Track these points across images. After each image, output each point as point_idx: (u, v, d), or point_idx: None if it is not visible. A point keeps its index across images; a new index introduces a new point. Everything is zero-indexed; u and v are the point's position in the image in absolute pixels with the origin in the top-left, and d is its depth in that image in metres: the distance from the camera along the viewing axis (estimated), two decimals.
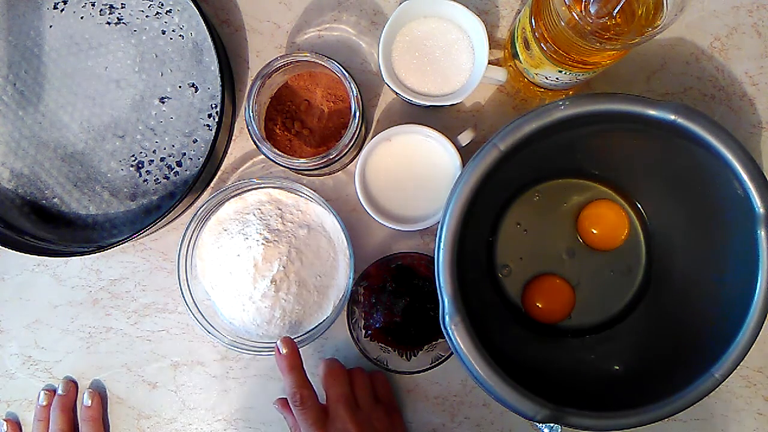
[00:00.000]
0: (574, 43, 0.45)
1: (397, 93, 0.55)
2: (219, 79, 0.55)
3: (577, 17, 0.43)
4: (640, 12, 0.45)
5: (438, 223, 0.48)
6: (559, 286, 0.57)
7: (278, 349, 0.51)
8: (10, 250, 0.57)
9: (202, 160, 0.57)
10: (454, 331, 0.45)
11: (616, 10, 0.43)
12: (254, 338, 0.57)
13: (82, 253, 0.57)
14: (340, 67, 0.52)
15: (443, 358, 0.55)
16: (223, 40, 0.61)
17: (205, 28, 0.56)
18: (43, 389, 0.61)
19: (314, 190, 0.55)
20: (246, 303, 0.56)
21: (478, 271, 0.57)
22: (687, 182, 0.52)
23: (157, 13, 0.61)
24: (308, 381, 0.51)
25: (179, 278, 0.56)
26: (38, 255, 0.57)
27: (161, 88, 0.61)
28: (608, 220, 0.57)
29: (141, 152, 0.61)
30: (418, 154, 0.56)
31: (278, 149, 0.53)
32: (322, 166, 0.53)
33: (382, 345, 0.56)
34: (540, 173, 0.57)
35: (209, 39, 0.56)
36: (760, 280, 0.46)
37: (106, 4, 0.61)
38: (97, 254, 0.60)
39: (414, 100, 0.54)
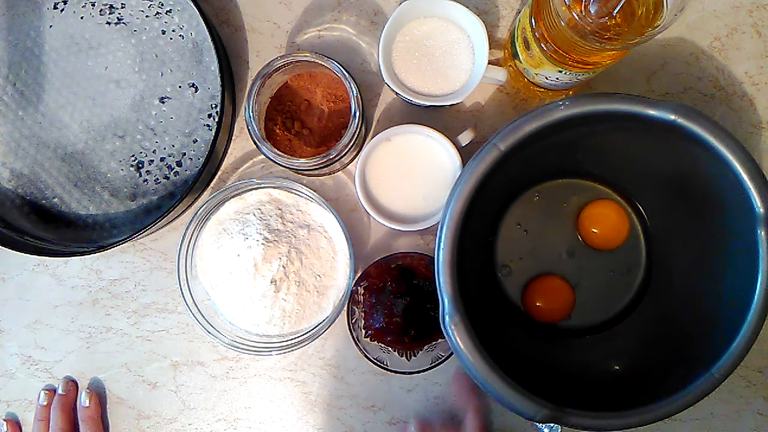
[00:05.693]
0: (574, 43, 0.45)
1: (397, 93, 0.55)
2: (219, 79, 0.55)
3: (577, 17, 0.43)
4: (640, 12, 0.45)
5: (438, 223, 0.48)
6: (559, 286, 0.57)
7: None
8: (10, 250, 0.57)
9: (202, 160, 0.57)
10: (454, 331, 0.45)
11: (616, 10, 0.43)
12: (254, 338, 0.57)
13: (82, 253, 0.57)
14: (340, 67, 0.52)
15: (443, 358, 0.55)
16: (223, 40, 0.61)
17: (205, 28, 0.56)
18: (43, 389, 0.61)
19: (314, 190, 0.55)
20: (246, 303, 0.56)
21: (478, 272, 0.57)
22: (687, 182, 0.52)
23: (157, 13, 0.61)
24: None
25: (179, 278, 0.56)
26: (38, 255, 0.57)
27: (161, 88, 0.61)
28: (609, 220, 0.57)
29: (141, 152, 0.61)
30: (418, 154, 0.56)
31: (278, 149, 0.52)
32: (322, 166, 0.53)
33: (382, 345, 0.56)
34: (540, 173, 0.57)
35: (209, 39, 0.56)
36: (760, 280, 0.46)
37: (106, 4, 0.61)
38: (97, 254, 0.60)
39: (414, 100, 0.54)
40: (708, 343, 0.48)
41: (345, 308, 0.55)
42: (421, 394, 0.60)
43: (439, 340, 0.56)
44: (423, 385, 0.60)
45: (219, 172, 0.61)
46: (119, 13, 0.61)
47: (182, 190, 0.60)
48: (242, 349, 0.56)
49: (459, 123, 0.60)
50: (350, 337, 0.55)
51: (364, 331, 0.56)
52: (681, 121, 0.45)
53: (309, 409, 0.61)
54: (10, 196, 0.62)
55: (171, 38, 0.61)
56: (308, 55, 0.52)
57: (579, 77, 0.51)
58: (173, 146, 0.61)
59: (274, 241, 0.55)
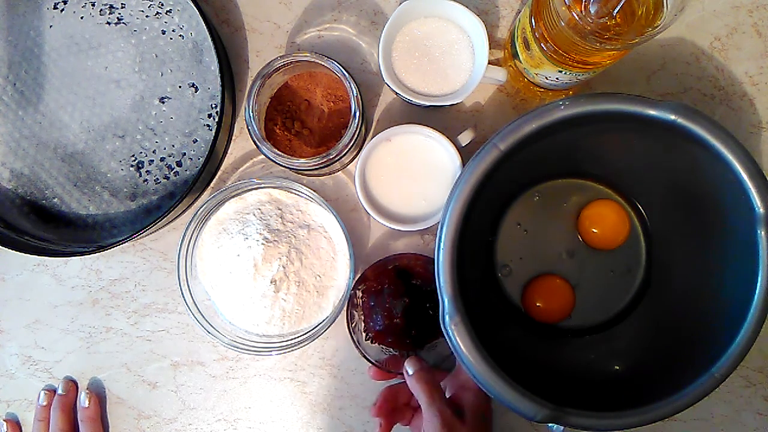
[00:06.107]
0: (574, 43, 0.45)
1: (397, 93, 0.55)
2: (219, 79, 0.55)
3: (577, 17, 0.43)
4: (640, 12, 0.45)
5: (438, 223, 0.48)
6: (559, 286, 0.57)
7: (406, 371, 0.51)
8: (10, 250, 0.57)
9: (202, 160, 0.57)
10: (454, 331, 0.45)
11: (616, 10, 0.43)
12: (254, 338, 0.57)
13: (82, 253, 0.57)
14: (340, 67, 0.52)
15: (443, 358, 0.55)
16: (223, 40, 0.61)
17: (205, 28, 0.56)
18: (43, 389, 0.61)
19: (314, 190, 0.55)
20: (246, 303, 0.56)
21: (478, 271, 0.57)
22: (687, 182, 0.52)
23: (157, 13, 0.61)
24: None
25: (179, 278, 0.56)
26: (38, 255, 0.57)
27: (161, 88, 0.61)
28: (609, 220, 0.57)
29: (141, 152, 0.61)
30: (418, 154, 0.56)
31: (278, 149, 0.52)
32: (322, 166, 0.53)
33: (383, 346, 0.56)
34: (540, 173, 0.57)
35: (209, 39, 0.56)
36: (760, 280, 0.46)
37: (106, 4, 0.61)
38: (97, 254, 0.60)
39: (414, 100, 0.54)
40: (708, 343, 0.48)
41: (345, 310, 0.55)
42: None
43: (439, 340, 0.56)
44: None
45: (219, 172, 0.61)
46: (119, 13, 0.61)
47: (182, 190, 0.60)
48: (242, 349, 0.56)
49: (459, 123, 0.60)
50: (350, 339, 0.55)
51: (364, 334, 0.56)
52: (681, 121, 0.45)
53: (309, 409, 0.61)
54: (10, 196, 0.62)
55: (171, 38, 0.61)
56: (308, 55, 0.52)
57: (579, 77, 0.51)
58: (173, 146, 0.61)
59: (274, 241, 0.55)
